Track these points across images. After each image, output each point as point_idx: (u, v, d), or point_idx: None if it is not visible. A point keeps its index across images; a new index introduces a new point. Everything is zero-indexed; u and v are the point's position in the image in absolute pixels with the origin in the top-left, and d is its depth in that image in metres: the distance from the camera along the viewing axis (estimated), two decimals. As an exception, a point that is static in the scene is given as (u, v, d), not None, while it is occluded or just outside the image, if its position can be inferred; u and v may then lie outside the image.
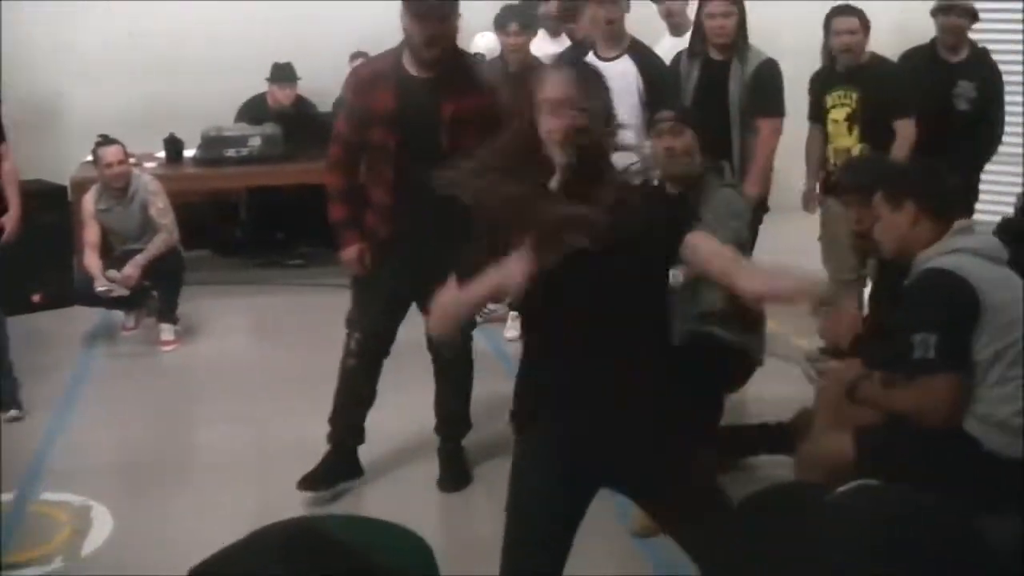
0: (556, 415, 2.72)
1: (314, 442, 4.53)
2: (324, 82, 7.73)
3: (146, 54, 8.23)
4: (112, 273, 6.19)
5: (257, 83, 7.81)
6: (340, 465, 4.51)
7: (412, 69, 4.08)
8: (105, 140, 6.43)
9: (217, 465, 4.89)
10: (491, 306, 6.73)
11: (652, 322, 2.78)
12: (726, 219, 3.91)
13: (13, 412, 5.41)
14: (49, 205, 7.12)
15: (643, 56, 5.31)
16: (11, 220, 5.59)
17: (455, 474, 4.62)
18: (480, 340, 6.52)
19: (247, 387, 5.75)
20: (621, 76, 5.09)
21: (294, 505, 4.23)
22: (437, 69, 4.04)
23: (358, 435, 4.56)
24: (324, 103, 7.84)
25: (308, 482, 4.39)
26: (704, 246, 2.70)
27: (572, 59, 5.67)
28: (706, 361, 3.93)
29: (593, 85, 2.72)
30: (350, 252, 4.31)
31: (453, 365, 4.54)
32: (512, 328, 6.53)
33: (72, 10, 8.30)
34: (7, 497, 4.62)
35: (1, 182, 5.62)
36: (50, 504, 4.57)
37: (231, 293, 7.41)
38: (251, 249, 8.03)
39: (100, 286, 6.18)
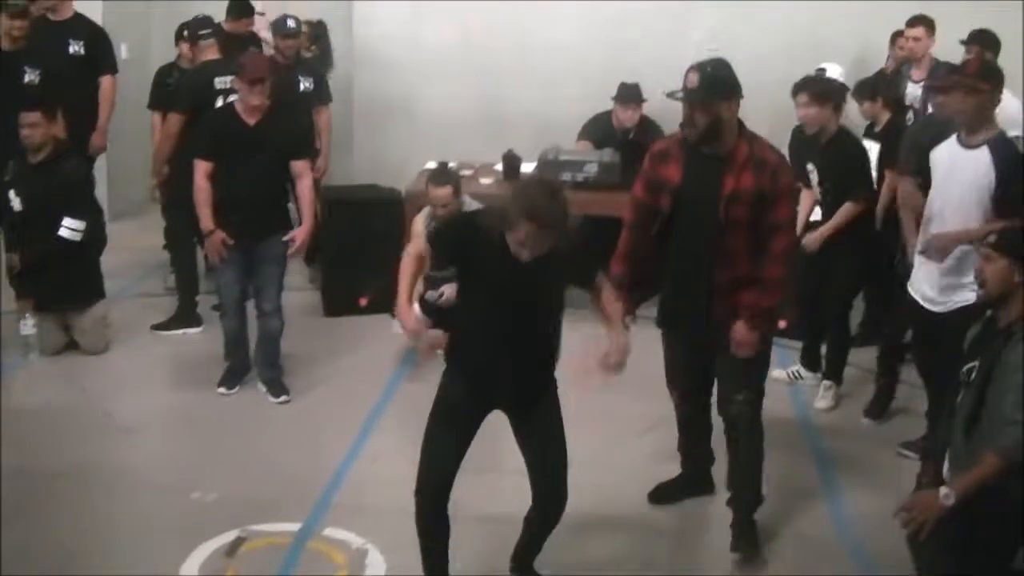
0: (476, 366, 3.96)
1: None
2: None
3: (489, 57, 8.53)
4: (431, 294, 6.18)
5: (600, 92, 7.76)
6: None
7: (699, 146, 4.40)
8: (439, 174, 6.23)
9: (508, 516, 4.37)
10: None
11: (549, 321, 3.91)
12: None
13: (283, 397, 6.01)
14: (383, 212, 7.25)
15: (1003, 150, 4.86)
16: (302, 233, 5.91)
17: (746, 548, 4.60)
18: (791, 406, 6.17)
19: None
20: (973, 163, 4.89)
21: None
22: (715, 147, 4.33)
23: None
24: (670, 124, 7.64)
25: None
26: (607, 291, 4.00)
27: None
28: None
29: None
30: None
31: (746, 435, 4.60)
32: (823, 399, 6.21)
33: (422, 11, 8.58)
34: (293, 528, 4.68)
35: (297, 197, 5.97)
36: (330, 542, 4.60)
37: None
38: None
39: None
